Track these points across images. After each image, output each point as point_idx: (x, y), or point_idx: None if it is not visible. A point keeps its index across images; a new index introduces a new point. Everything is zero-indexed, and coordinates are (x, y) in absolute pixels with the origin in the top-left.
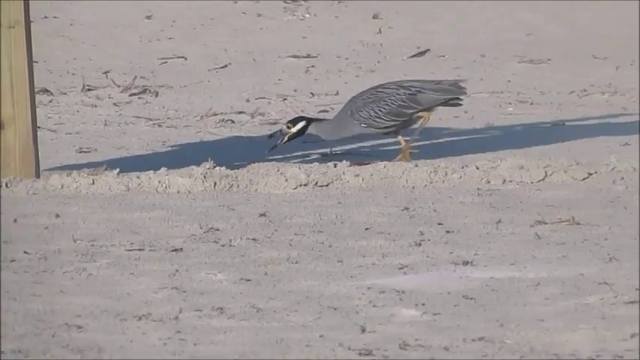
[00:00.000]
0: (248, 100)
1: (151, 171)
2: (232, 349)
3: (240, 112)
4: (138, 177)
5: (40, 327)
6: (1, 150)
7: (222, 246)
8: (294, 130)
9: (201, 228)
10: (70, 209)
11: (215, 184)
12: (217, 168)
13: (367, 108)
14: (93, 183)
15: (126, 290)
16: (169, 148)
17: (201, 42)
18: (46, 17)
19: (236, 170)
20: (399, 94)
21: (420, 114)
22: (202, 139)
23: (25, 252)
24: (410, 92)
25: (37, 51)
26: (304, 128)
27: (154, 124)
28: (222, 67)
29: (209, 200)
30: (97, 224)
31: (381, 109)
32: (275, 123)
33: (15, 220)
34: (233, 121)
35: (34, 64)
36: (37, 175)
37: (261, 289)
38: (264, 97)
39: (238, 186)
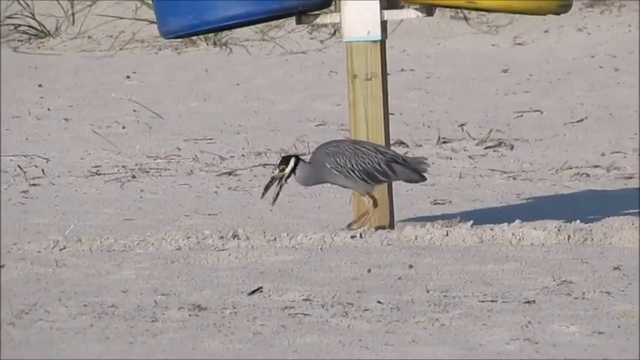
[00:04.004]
0: (603, 154)
1: (505, 223)
2: None
3: (596, 166)
4: (491, 229)
5: None
6: (355, 201)
7: (575, 298)
8: (288, 169)
9: (554, 280)
10: (424, 260)
11: (569, 237)
12: (572, 221)
13: (345, 158)
14: (447, 235)
15: (478, 341)
16: (524, 201)
17: (557, 96)
18: (402, 70)
19: (590, 224)
20: (376, 158)
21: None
22: (557, 193)
23: (379, 302)
24: (386, 159)
25: (393, 103)
26: (296, 165)
27: (509, 176)
28: (578, 121)
29: (563, 253)
30: (450, 275)
31: (359, 165)
32: (630, 177)
33: (369, 271)
34: (588, 175)
35: (389, 116)
36: (392, 226)
37: (614, 342)
38: (619, 152)
39: (592, 239)
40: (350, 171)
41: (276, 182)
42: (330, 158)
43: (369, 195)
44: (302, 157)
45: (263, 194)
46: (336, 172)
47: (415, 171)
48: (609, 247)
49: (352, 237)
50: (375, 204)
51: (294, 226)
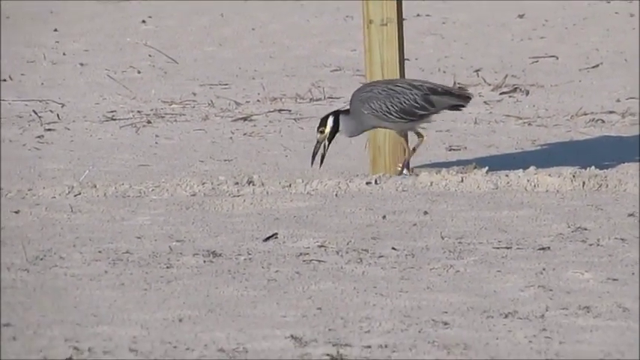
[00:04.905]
0: (619, 100)
1: (520, 169)
2: (598, 349)
3: (611, 112)
4: (507, 175)
5: (406, 322)
6: (371, 147)
7: (590, 245)
8: (327, 129)
9: (569, 227)
10: (439, 206)
11: (584, 183)
12: (587, 168)
13: (379, 101)
14: (462, 181)
15: (492, 288)
16: (539, 147)
17: (573, 41)
18: (418, 15)
19: (605, 170)
20: (412, 94)
21: (420, 135)
22: (572, 139)
23: (393, 248)
24: (423, 92)
25: (409, 48)
26: (336, 122)
27: (524, 122)
28: (593, 67)
29: (577, 199)
30: (464, 222)
31: (394, 106)
32: None
33: (384, 217)
34: (603, 121)
35: (405, 61)
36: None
37: (628, 288)
38: (635, 97)
39: (607, 186)
40: (386, 113)
41: (322, 145)
42: (364, 104)
43: (416, 133)
44: (342, 110)
45: (312, 161)
46: (374, 117)
47: (457, 96)
48: (624, 193)
49: (367, 183)
50: (420, 138)
51: (310, 172)
